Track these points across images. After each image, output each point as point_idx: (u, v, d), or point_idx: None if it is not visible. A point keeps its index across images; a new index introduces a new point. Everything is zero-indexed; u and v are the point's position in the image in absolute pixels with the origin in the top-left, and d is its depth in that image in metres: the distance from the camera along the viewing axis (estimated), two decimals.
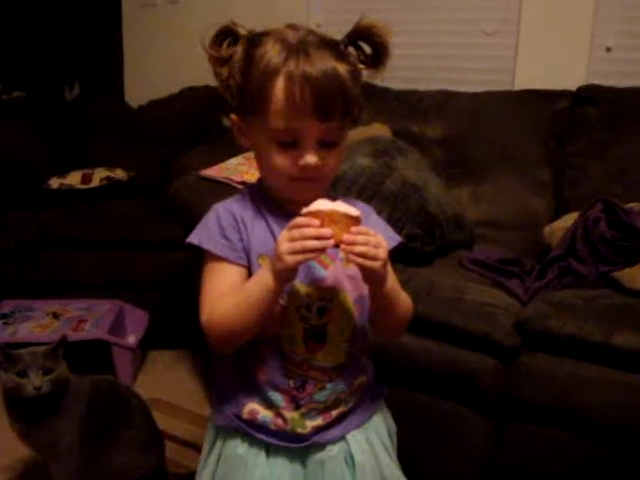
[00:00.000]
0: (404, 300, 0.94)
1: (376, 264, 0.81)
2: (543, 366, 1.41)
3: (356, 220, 0.81)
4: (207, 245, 0.90)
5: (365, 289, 0.95)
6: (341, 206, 0.81)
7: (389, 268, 0.87)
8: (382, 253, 0.82)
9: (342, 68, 0.85)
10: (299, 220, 0.80)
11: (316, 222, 0.79)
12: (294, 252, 0.79)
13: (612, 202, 1.64)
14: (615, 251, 1.56)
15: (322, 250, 0.79)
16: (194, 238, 0.92)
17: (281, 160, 0.86)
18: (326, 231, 0.79)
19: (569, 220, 1.74)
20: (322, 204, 0.81)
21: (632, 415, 1.33)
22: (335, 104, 0.83)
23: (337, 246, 0.81)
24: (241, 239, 0.90)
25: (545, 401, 1.41)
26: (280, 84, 0.83)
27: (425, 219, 1.69)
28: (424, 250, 1.68)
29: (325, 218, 0.80)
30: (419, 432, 1.52)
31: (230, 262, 0.89)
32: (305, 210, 0.81)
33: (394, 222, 1.60)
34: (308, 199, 0.83)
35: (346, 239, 0.80)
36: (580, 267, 1.59)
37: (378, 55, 0.90)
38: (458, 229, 1.84)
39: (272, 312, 0.87)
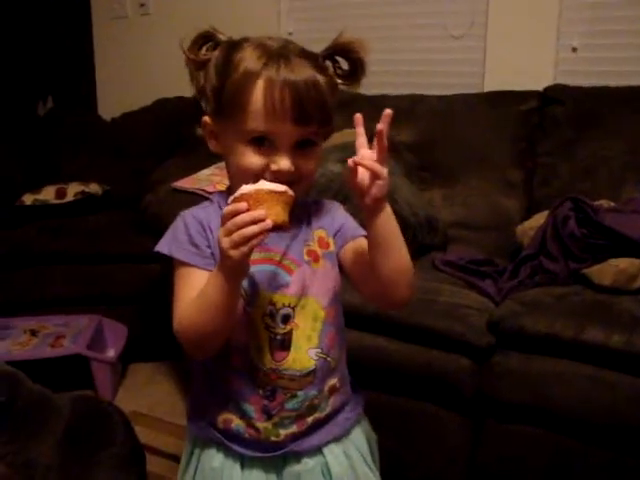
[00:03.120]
0: (405, 253, 0.88)
1: (375, 183, 0.80)
2: (517, 364, 1.43)
3: (284, 194, 0.79)
4: (176, 253, 0.90)
5: (338, 287, 0.95)
6: (265, 184, 0.79)
7: (390, 211, 0.85)
8: (385, 172, 0.81)
9: (321, 78, 0.87)
10: (227, 209, 0.77)
11: (244, 205, 0.76)
12: (236, 245, 0.76)
13: (581, 200, 1.66)
14: (584, 248, 1.59)
15: (263, 234, 0.77)
16: (163, 247, 0.92)
17: (253, 160, 0.86)
18: (258, 213, 0.76)
19: (540, 219, 1.76)
20: (245, 187, 0.79)
21: (605, 409, 1.35)
22: (314, 110, 0.84)
23: (280, 227, 0.79)
24: (209, 245, 0.90)
25: (520, 399, 1.43)
26: (260, 87, 0.84)
27: (397, 223, 1.70)
28: None
29: (251, 200, 0.77)
30: (397, 435, 1.53)
31: (199, 268, 0.89)
32: (230, 198, 0.79)
33: (365, 227, 1.60)
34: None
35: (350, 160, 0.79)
36: (551, 265, 1.61)
37: (354, 71, 0.93)
38: (431, 232, 1.86)
39: (236, 312, 0.86)
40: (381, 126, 0.80)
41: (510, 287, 1.59)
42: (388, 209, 0.84)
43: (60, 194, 2.59)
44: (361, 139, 0.83)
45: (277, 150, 0.86)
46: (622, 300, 1.45)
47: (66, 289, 2.35)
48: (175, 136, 2.70)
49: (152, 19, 3.12)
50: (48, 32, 3.33)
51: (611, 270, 1.50)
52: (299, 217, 0.94)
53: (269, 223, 0.76)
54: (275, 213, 0.78)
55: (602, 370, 1.35)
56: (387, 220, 0.84)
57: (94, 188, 2.65)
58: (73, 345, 2.07)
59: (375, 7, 2.59)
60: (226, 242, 0.77)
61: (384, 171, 0.81)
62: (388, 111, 0.81)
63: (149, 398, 2.17)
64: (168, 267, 0.96)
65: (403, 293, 0.90)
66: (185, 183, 1.94)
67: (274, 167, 0.85)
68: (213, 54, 0.90)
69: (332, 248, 0.95)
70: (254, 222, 0.76)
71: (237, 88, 0.85)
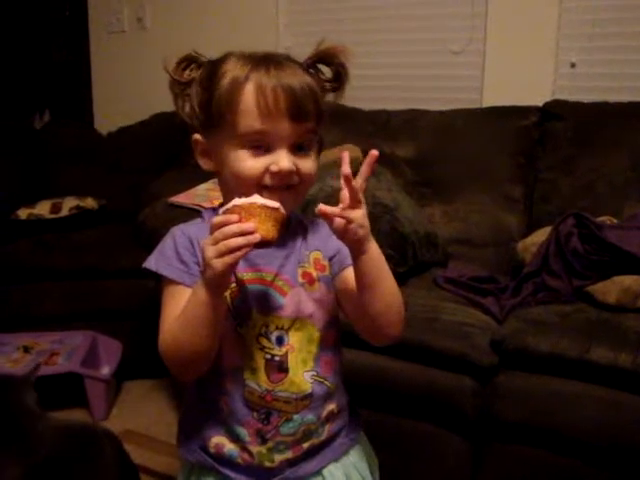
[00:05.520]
0: (392, 279, 0.87)
1: (350, 224, 0.78)
2: (521, 384, 1.41)
3: (276, 211, 0.78)
4: (163, 270, 0.88)
5: (335, 312, 0.93)
6: (259, 199, 0.78)
7: (376, 247, 0.83)
8: (360, 211, 0.79)
9: (309, 77, 0.87)
10: (217, 219, 0.76)
11: (234, 217, 0.75)
12: (220, 255, 0.75)
13: (584, 216, 1.65)
14: (588, 265, 1.57)
15: (249, 246, 0.75)
16: (150, 263, 0.89)
17: (252, 164, 0.84)
18: (248, 225, 0.75)
19: (541, 235, 1.74)
20: (238, 200, 0.78)
21: (612, 430, 1.32)
22: (308, 105, 0.84)
23: (268, 244, 0.77)
24: (198, 263, 0.86)
25: (524, 420, 1.40)
26: (250, 90, 0.83)
27: (397, 240, 1.68)
28: (397, 271, 1.67)
29: (242, 212, 0.76)
30: (398, 456, 1.50)
31: (186, 287, 0.86)
32: (222, 209, 0.78)
33: None
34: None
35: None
36: (554, 282, 1.59)
37: (338, 77, 0.92)
38: (431, 248, 1.84)
39: (219, 330, 0.83)
40: (346, 170, 0.77)
41: (513, 305, 1.56)
42: (373, 248, 0.82)
43: (55, 208, 2.57)
44: (344, 170, 0.79)
45: (275, 150, 0.84)
46: (627, 318, 1.43)
47: (61, 305, 2.31)
48: (172, 151, 2.67)
49: (149, 34, 3.11)
50: (45, 45, 3.33)
51: (615, 287, 1.48)
52: (294, 236, 0.92)
53: (257, 237, 0.75)
54: (265, 228, 0.76)
55: (609, 390, 1.33)
56: (372, 260, 0.82)
57: (90, 203, 2.63)
58: (67, 362, 2.04)
59: (374, 22, 2.58)
60: (210, 251, 0.76)
61: (355, 214, 0.78)
62: (374, 152, 0.79)
63: (144, 416, 2.13)
64: (157, 282, 0.94)
65: (393, 330, 0.88)
66: (182, 198, 1.92)
67: (274, 168, 0.83)
68: (197, 73, 0.89)
69: (328, 272, 0.93)
70: (242, 234, 0.74)
71: (226, 95, 0.84)
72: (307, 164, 0.86)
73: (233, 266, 0.76)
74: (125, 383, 2.33)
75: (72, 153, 2.91)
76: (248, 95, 0.83)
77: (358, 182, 0.78)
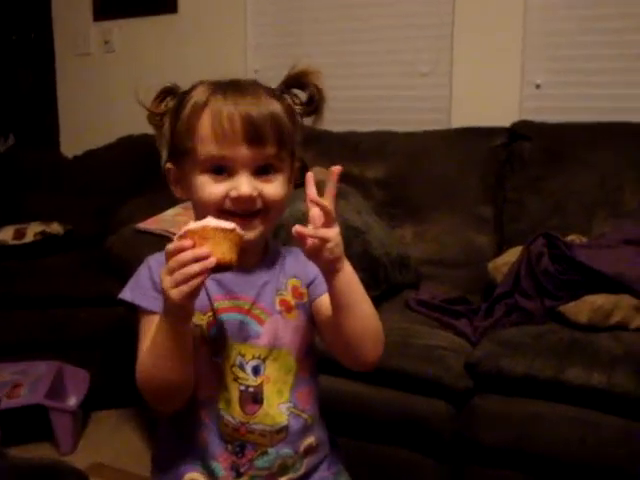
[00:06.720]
0: (371, 313, 0.85)
1: (324, 246, 0.77)
2: (497, 407, 1.40)
3: (231, 232, 0.75)
4: (139, 301, 0.86)
5: (312, 339, 0.91)
6: (212, 221, 0.75)
7: (351, 270, 0.82)
8: (333, 232, 0.78)
9: (275, 103, 0.85)
10: (170, 247, 0.74)
11: (188, 242, 0.73)
12: (177, 284, 0.72)
13: (554, 236, 1.65)
14: (559, 285, 1.57)
15: (205, 272, 0.72)
16: (126, 294, 0.88)
17: (212, 189, 0.83)
18: (202, 250, 0.72)
19: (512, 255, 1.75)
20: (191, 224, 0.75)
21: (588, 450, 1.32)
22: (265, 129, 0.82)
23: (226, 267, 0.75)
24: None
25: (501, 443, 1.39)
26: (207, 115, 0.82)
27: (369, 262, 1.67)
28: (370, 295, 1.65)
29: (195, 237, 0.73)
30: None
31: None
32: (176, 236, 0.76)
33: None
34: (248, 239, 0.79)
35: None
36: (526, 303, 1.59)
37: (312, 100, 0.91)
38: (403, 270, 1.83)
39: (190, 361, 0.81)
40: (311, 194, 0.77)
41: (486, 326, 1.56)
42: (347, 269, 0.81)
43: (19, 234, 2.51)
44: (310, 194, 0.79)
45: (236, 175, 0.82)
46: (600, 338, 1.43)
47: (24, 334, 2.24)
48: (140, 174, 2.64)
49: (116, 56, 3.08)
50: (10, 68, 3.28)
51: (587, 307, 1.49)
52: (272, 264, 0.91)
53: (212, 261, 0.72)
54: (221, 252, 0.73)
55: (584, 410, 1.33)
56: (347, 281, 0.81)
57: (55, 228, 2.57)
58: (31, 394, 1.96)
59: (343, 45, 2.60)
60: (167, 281, 0.73)
61: (330, 233, 0.77)
62: (336, 169, 0.79)
63: (113, 448, 2.06)
64: (132, 313, 0.91)
65: (371, 354, 0.87)
66: (149, 224, 1.88)
67: (234, 193, 0.82)
68: (173, 103, 0.89)
69: (306, 299, 0.91)
70: (196, 260, 0.72)
71: (187, 122, 0.84)
72: (272, 189, 0.85)
73: (192, 295, 0.74)
74: (93, 414, 2.26)
75: (37, 177, 2.86)
76: (205, 121, 0.82)
77: (326, 202, 0.77)
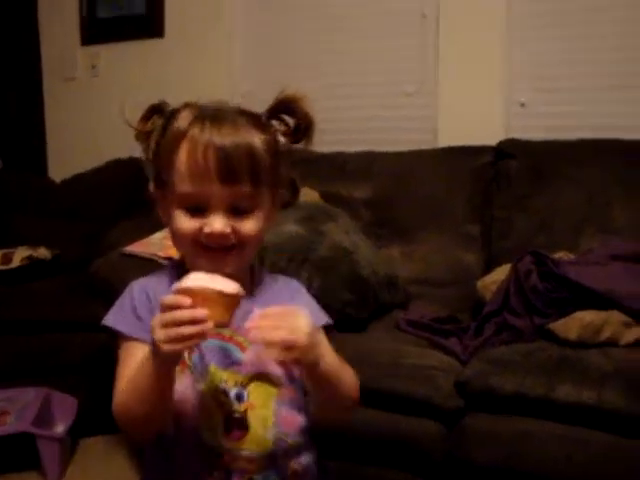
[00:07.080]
0: (347, 378, 0.88)
1: (293, 353, 0.76)
2: (488, 426, 1.39)
3: (233, 298, 0.74)
4: (120, 326, 0.85)
5: (295, 368, 0.90)
6: (215, 282, 0.74)
7: (325, 346, 0.83)
8: (302, 338, 0.76)
9: (256, 136, 0.84)
10: (167, 300, 0.73)
11: (187, 301, 0.71)
12: (170, 340, 0.71)
13: (541, 254, 1.66)
14: (548, 302, 1.57)
15: (201, 336, 0.72)
16: (109, 319, 0.87)
17: (187, 224, 0.82)
18: (200, 313, 0.71)
19: (501, 273, 1.75)
20: (194, 279, 0.74)
21: (579, 467, 1.31)
22: (240, 168, 0.81)
23: (220, 327, 0.74)
24: None
25: (493, 462, 1.38)
26: (184, 148, 0.82)
27: (357, 283, 1.67)
28: (359, 318, 1.65)
29: (197, 296, 0.72)
30: None
31: (143, 342, 0.82)
32: (175, 286, 0.74)
33: (326, 289, 1.57)
34: (225, 273, 0.79)
35: (248, 326, 0.74)
36: (516, 321, 1.59)
37: (299, 126, 0.90)
38: (392, 290, 1.82)
39: (171, 397, 0.80)
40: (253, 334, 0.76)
41: (476, 345, 1.55)
42: (320, 352, 0.81)
43: (6, 259, 2.48)
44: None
45: (210, 212, 0.82)
46: (589, 354, 1.43)
47: (10, 360, 2.21)
48: (128, 198, 2.63)
49: (103, 81, 3.08)
50: None
51: (576, 324, 1.49)
52: (256, 294, 0.91)
53: (209, 325, 0.72)
54: (220, 314, 0.73)
55: (574, 428, 1.33)
56: (321, 367, 0.81)
57: (43, 253, 2.55)
58: (17, 422, 1.93)
59: (329, 66, 2.63)
60: (160, 334, 0.72)
61: (300, 340, 0.76)
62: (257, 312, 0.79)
63: (102, 475, 2.03)
64: (114, 339, 0.90)
65: (342, 417, 0.96)
66: (136, 247, 1.87)
67: (207, 230, 0.81)
68: (160, 122, 0.88)
69: None
70: (194, 322, 0.71)
71: (166, 151, 0.84)
72: (247, 226, 0.84)
73: (185, 350, 0.74)
74: (82, 441, 2.23)
75: (24, 201, 2.84)
76: (182, 156, 0.82)
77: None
